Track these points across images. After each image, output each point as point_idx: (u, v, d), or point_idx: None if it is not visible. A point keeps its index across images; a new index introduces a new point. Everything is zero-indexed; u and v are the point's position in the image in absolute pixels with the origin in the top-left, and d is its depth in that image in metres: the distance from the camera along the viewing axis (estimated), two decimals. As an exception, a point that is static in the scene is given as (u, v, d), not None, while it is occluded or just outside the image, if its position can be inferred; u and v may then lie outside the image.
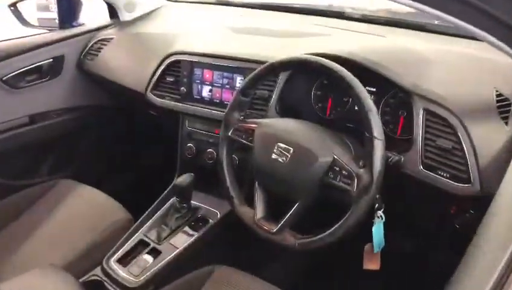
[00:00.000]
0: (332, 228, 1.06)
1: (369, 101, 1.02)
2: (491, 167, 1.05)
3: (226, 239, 1.59)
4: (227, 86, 1.57)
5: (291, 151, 1.11)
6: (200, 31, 1.79)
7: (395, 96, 1.31)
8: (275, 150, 1.14)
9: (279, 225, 1.14)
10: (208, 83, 1.61)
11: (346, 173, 1.04)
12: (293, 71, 1.37)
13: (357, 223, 1.03)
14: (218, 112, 1.57)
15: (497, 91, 1.18)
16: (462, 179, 1.08)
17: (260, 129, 1.20)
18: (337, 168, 1.06)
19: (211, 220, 1.56)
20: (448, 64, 1.26)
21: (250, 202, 1.24)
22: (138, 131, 2.26)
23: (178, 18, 2.00)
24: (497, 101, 1.14)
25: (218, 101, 1.60)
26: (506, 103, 1.13)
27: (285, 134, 1.14)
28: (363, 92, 1.03)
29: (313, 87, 1.48)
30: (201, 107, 1.63)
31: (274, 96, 1.43)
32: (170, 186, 1.70)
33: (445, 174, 1.11)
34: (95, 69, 1.95)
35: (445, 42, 1.43)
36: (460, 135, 1.09)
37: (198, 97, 1.64)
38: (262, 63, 1.41)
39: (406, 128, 1.29)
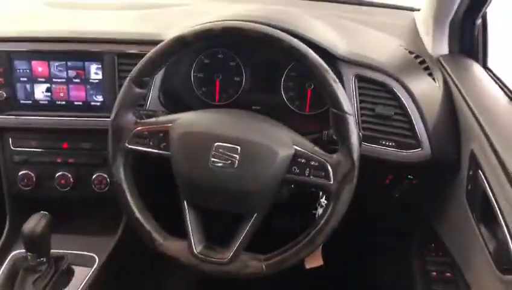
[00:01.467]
0: (310, 235, 0.83)
1: (330, 71, 0.82)
2: (438, 128, 1.00)
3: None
4: (76, 80, 1.11)
5: (239, 150, 0.82)
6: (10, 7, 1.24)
7: (296, 69, 1.15)
8: (213, 153, 0.82)
9: (233, 250, 0.85)
10: (42, 79, 1.11)
11: (316, 164, 0.83)
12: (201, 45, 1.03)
13: (339, 222, 0.84)
14: (69, 119, 1.11)
15: (405, 49, 1.14)
16: (409, 145, 1.01)
17: (179, 129, 0.86)
18: (303, 160, 0.83)
19: (87, 271, 1.12)
20: (357, 30, 1.16)
21: (176, 231, 0.90)
22: None
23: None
24: (414, 58, 1.10)
25: (64, 103, 1.12)
26: (421, 59, 1.11)
27: (224, 129, 0.84)
28: (320, 61, 0.82)
29: (192, 68, 1.18)
30: (36, 115, 1.13)
31: (155, 83, 1.08)
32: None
33: (389, 143, 1.02)
34: None
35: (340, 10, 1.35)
36: (402, 98, 1.00)
37: (27, 102, 1.12)
38: (132, 41, 1.06)
39: (316, 103, 1.15)
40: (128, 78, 0.87)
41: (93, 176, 1.17)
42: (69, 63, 1.10)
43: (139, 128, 0.88)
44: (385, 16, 1.35)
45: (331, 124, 0.84)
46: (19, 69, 1.10)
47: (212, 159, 0.82)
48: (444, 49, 1.14)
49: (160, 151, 0.87)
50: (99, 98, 1.12)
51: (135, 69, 0.87)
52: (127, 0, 1.31)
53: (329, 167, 0.82)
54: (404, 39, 1.21)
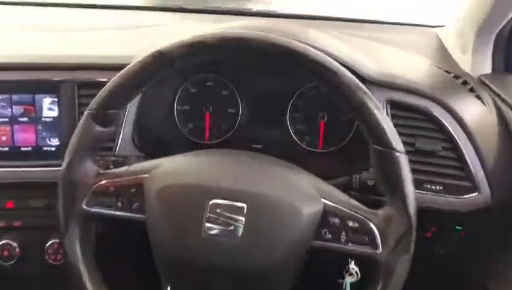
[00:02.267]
0: None
1: (370, 94, 0.59)
2: (498, 164, 0.77)
3: None
4: (23, 119, 0.85)
5: (245, 209, 0.57)
6: None
7: (304, 97, 0.92)
8: (207, 216, 0.57)
9: None
10: (-23, 118, 0.85)
11: (355, 225, 0.58)
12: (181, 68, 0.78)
13: None
14: (14, 170, 0.85)
15: (440, 68, 0.93)
16: (462, 189, 0.77)
17: (158, 182, 0.60)
18: (336, 220, 0.58)
19: None
20: (380, 48, 0.95)
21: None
22: None
23: None
24: (454, 78, 0.88)
25: (7, 149, 0.86)
26: (462, 79, 0.89)
27: (222, 180, 0.59)
28: (357, 81, 0.59)
29: (175, 99, 0.95)
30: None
31: (127, 118, 0.83)
32: None
33: (434, 187, 0.78)
34: None
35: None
36: (450, 128, 0.77)
37: (-43, 149, 0.86)
38: (97, 66, 0.82)
39: (332, 138, 0.91)
40: (86, 113, 0.62)
41: (47, 244, 0.89)
42: (14, 97, 0.84)
43: (102, 182, 0.62)
44: (404, 34, 1.14)
45: (374, 166, 0.60)
46: None
47: (207, 224, 0.57)
48: (487, 68, 0.93)
49: (132, 215, 0.61)
50: (54, 141, 0.86)
51: (96, 100, 0.62)
52: (89, 22, 1.07)
53: (375, 229, 0.58)
54: (432, 58, 0.99)
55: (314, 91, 0.92)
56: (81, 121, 0.62)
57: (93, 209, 0.62)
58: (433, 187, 0.77)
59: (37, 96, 0.84)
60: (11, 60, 0.85)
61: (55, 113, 0.85)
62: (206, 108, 0.94)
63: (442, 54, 1.01)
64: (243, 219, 0.56)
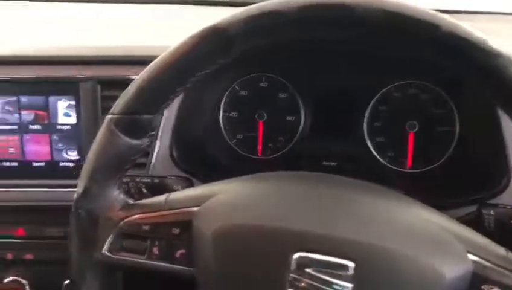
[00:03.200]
0: None
1: None
2: None
3: None
4: (35, 127, 0.68)
5: (353, 269, 0.36)
6: None
7: (389, 100, 0.72)
8: (291, 278, 0.37)
9: None
10: (-20, 126, 0.68)
11: None
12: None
13: None
14: (24, 190, 0.68)
15: None
16: None
17: (215, 221, 0.40)
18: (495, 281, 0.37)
19: None
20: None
21: None
22: None
23: None
24: None
25: (16, 164, 0.69)
26: None
27: (310, 222, 0.39)
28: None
29: (221, 104, 0.76)
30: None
31: (163, 126, 0.65)
32: None
33: None
34: None
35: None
36: None
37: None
38: (125, 60, 0.64)
39: (424, 155, 0.71)
40: (107, 119, 0.43)
41: (65, 283, 0.71)
42: (22, 99, 0.67)
43: (132, 217, 0.43)
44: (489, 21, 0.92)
45: None
46: None
47: None
48: None
49: (174, 267, 0.42)
50: (73, 155, 0.68)
51: (121, 100, 0.43)
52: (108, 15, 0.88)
53: None
54: None
55: (401, 92, 0.71)
56: (100, 130, 0.43)
57: (118, 257, 0.43)
58: None
59: (51, 98, 0.67)
60: (18, 52, 0.68)
61: (73, 120, 0.67)
62: (259, 115, 0.75)
63: None
64: (350, 285, 0.36)
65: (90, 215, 0.43)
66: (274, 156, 0.77)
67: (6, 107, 0.67)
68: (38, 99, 0.67)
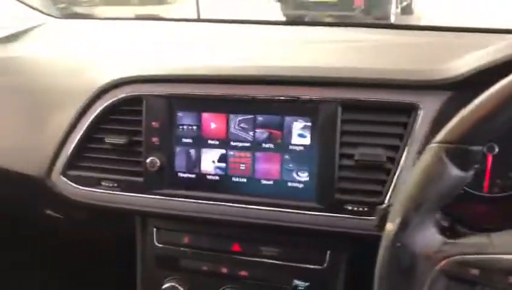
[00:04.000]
0: None
1: None
2: None
3: None
4: (267, 146, 0.68)
5: None
6: (152, 47, 0.90)
7: None
8: None
9: None
10: (215, 142, 0.70)
11: None
12: None
13: None
14: (249, 208, 0.67)
15: None
16: None
17: None
18: None
19: None
20: None
21: None
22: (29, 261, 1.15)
23: (84, 36, 1.05)
24: None
25: (245, 180, 0.70)
26: None
27: None
28: None
29: None
30: (198, 198, 0.70)
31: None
32: None
33: None
34: None
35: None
36: None
37: (189, 176, 0.71)
38: (374, 82, 0.62)
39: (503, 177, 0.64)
40: (436, 148, 0.40)
41: None
42: (259, 118, 0.68)
43: (455, 257, 0.39)
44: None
45: None
46: (182, 126, 0.71)
47: None
48: None
49: None
50: (303, 176, 0.67)
51: (455, 131, 0.40)
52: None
53: None
54: None
55: None
56: (426, 159, 0.40)
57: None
58: None
59: (287, 119, 0.67)
60: (254, 72, 0.69)
61: (306, 141, 0.66)
62: (489, 148, 0.69)
63: None
64: None
65: (408, 250, 0.40)
66: (503, 194, 0.69)
67: (242, 125, 0.69)
68: (275, 119, 0.67)
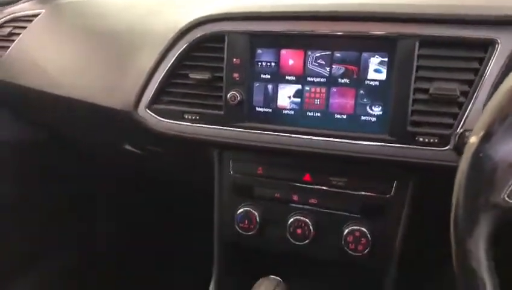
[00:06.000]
0: None
1: None
2: None
3: None
4: (342, 81, 0.72)
5: None
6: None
7: None
8: None
9: None
10: (292, 77, 0.75)
11: None
12: None
13: None
14: (321, 139, 0.72)
15: None
16: None
17: None
18: None
19: None
20: None
21: None
22: (117, 188, 1.26)
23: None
24: None
25: (319, 114, 0.74)
26: None
27: None
28: None
29: None
30: (273, 130, 0.76)
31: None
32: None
33: None
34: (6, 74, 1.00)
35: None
36: None
37: (265, 110, 0.77)
38: (457, 18, 0.63)
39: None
40: None
41: (345, 231, 0.76)
42: (336, 54, 0.72)
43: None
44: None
45: None
46: (261, 62, 0.76)
47: None
48: None
49: None
50: (376, 110, 0.71)
51: None
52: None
53: None
54: None
55: None
56: None
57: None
58: None
59: (364, 55, 0.70)
60: (336, 8, 0.72)
61: (382, 76, 0.70)
62: None
63: None
64: None
65: (491, 160, 0.44)
66: None
67: (319, 61, 0.73)
68: (352, 55, 0.71)
